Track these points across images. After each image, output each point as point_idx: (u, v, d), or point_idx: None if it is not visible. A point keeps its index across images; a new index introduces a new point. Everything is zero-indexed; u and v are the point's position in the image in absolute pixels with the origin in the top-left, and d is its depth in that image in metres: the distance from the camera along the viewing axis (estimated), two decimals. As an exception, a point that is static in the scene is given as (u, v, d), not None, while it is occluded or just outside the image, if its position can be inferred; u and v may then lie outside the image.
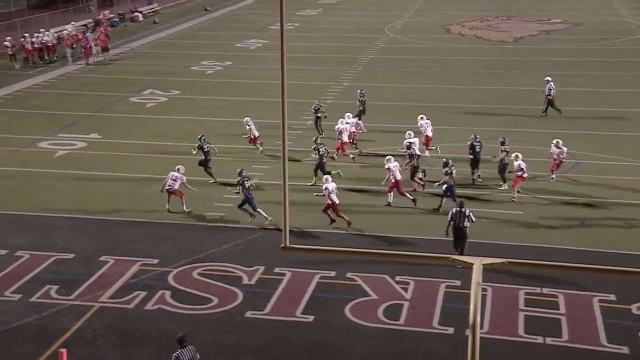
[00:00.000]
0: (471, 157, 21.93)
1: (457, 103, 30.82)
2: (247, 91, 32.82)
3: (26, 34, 39.26)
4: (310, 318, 14.86)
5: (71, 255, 17.29)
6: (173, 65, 38.62)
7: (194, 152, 22.00)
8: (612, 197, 20.77)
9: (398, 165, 20.45)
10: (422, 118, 24.74)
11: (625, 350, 13.72)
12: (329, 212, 18.82)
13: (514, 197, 20.52)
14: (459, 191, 19.91)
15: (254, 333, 14.35)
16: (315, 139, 22.23)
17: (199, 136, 22.28)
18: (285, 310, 15.10)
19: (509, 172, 21.15)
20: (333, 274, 16.48)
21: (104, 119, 28.77)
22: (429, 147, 24.12)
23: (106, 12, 52.06)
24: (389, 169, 20.17)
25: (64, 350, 12.93)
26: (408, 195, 20.31)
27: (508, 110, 29.36)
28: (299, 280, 16.28)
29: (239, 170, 19.41)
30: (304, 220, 18.96)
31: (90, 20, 48.71)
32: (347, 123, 24.05)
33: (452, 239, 17.02)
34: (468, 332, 8.21)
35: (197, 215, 19.64)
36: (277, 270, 16.67)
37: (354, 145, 24.39)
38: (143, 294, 15.62)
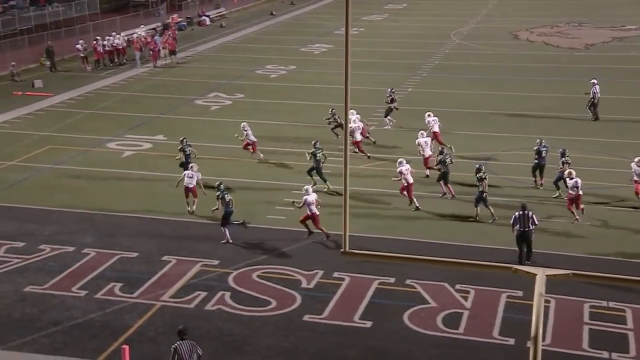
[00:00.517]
0: (536, 161, 21.48)
1: (522, 110, 30.26)
2: (310, 95, 32.97)
3: (98, 37, 40.42)
4: (368, 324, 14.79)
5: (135, 254, 17.67)
6: (238, 69, 39.12)
7: (177, 158, 22.32)
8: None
9: (410, 168, 20.36)
10: (429, 115, 25.02)
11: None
12: (307, 222, 18.38)
13: (576, 219, 19.10)
14: (523, 199, 19.49)
15: (311, 337, 14.35)
16: (315, 143, 21.82)
17: (181, 139, 22.58)
18: (344, 315, 15.06)
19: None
20: (392, 280, 16.36)
21: (169, 121, 29.34)
22: (441, 143, 24.08)
23: (175, 16, 53.14)
24: (400, 172, 20.13)
25: (126, 347, 13.20)
26: (415, 201, 20.15)
27: (576, 118, 28.64)
28: (357, 286, 16.22)
29: (217, 183, 19.20)
30: (364, 225, 18.89)
31: (159, 24, 49.81)
32: (359, 121, 24.56)
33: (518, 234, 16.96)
34: (530, 344, 8.02)
35: (258, 218, 19.80)
36: (336, 274, 16.65)
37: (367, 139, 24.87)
38: (203, 294, 15.82)
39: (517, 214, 16.93)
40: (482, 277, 15.75)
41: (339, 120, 25.54)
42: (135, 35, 42.24)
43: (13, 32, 44.68)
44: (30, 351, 13.71)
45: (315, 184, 21.16)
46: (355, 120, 24.43)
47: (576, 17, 55.42)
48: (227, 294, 15.83)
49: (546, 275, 8.21)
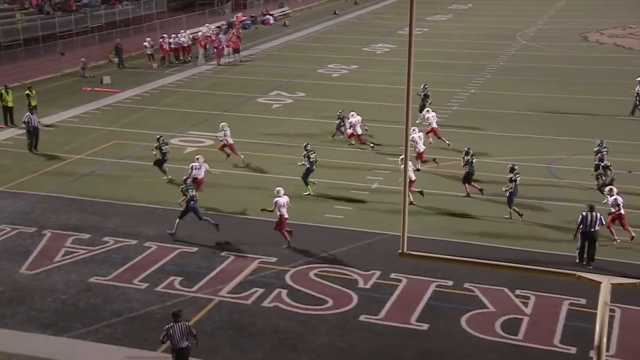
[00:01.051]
0: (596, 162, 20.90)
1: (588, 113, 29.49)
2: (371, 95, 32.88)
3: (165, 35, 41.23)
4: (425, 326, 14.64)
5: (195, 249, 17.93)
6: (300, 68, 39.31)
7: (153, 153, 22.51)
8: None
9: (412, 165, 20.45)
10: (428, 111, 25.59)
11: None
12: (284, 232, 18.09)
13: (615, 240, 17.83)
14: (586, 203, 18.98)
15: (367, 337, 14.30)
16: (306, 145, 21.67)
17: (158, 136, 22.75)
18: (400, 317, 14.95)
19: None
20: (450, 283, 16.16)
21: (231, 118, 29.61)
22: (440, 138, 25.14)
23: (239, 14, 53.81)
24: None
25: (184, 340, 13.44)
26: (411, 195, 19.98)
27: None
28: (414, 287, 16.09)
29: (184, 177, 19.34)
30: (422, 227, 18.73)
31: (223, 22, 50.47)
32: (355, 117, 25.38)
33: (579, 243, 16.62)
34: (592, 354, 7.79)
35: (316, 217, 19.84)
36: (393, 275, 16.55)
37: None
38: (261, 291, 15.94)
39: (583, 214, 16.73)
40: (543, 283, 15.40)
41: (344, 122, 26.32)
42: (199, 33, 42.91)
43: (85, 29, 45.98)
44: (94, 340, 14.05)
45: (314, 184, 21.41)
46: (354, 115, 25.46)
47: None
48: (284, 292, 15.91)
49: (611, 284, 7.97)
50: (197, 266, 17.09)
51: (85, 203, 20.72)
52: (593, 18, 55.10)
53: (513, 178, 19.27)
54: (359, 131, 25.34)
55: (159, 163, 22.42)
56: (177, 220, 18.48)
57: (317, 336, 14.28)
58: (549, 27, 52.77)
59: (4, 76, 34.06)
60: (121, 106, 31.66)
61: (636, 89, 28.24)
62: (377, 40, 47.69)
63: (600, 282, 7.99)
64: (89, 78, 36.62)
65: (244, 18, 53.36)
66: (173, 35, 41.23)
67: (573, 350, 13.72)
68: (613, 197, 17.99)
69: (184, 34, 41.84)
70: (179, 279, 16.44)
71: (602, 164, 20.16)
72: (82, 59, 37.88)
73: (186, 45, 41.37)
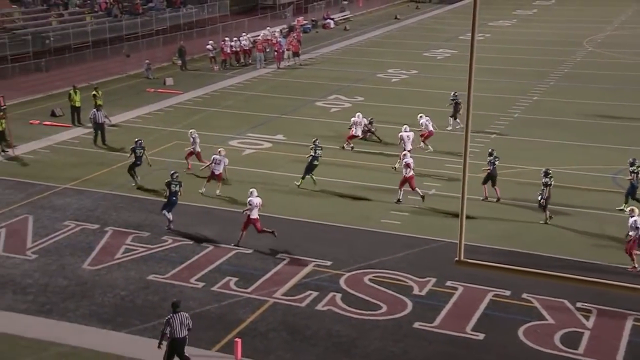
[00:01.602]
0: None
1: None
2: (430, 101, 32.59)
3: (227, 38, 41.79)
4: (481, 336, 14.41)
5: (250, 251, 18.08)
6: (359, 72, 39.28)
7: (128, 156, 22.48)
8: None
9: (411, 163, 20.82)
10: (421, 117, 25.67)
11: None
12: (264, 228, 18.16)
13: (634, 267, 16.87)
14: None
15: (421, 345, 14.16)
16: (315, 141, 22.45)
17: (136, 140, 22.70)
18: (455, 325, 14.76)
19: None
20: (508, 293, 15.87)
21: (289, 121, 29.87)
22: (425, 142, 25.39)
23: (300, 18, 54.14)
24: (405, 162, 20.76)
25: (239, 340, 13.57)
26: (419, 191, 20.61)
27: None
28: (471, 296, 15.86)
29: (172, 172, 19.76)
30: (481, 235, 18.46)
31: (284, 26, 50.85)
32: (360, 118, 26.10)
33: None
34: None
35: (372, 222, 19.77)
36: (449, 283, 16.35)
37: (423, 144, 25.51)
38: (315, 294, 15.97)
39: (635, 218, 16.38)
40: (606, 297, 14.99)
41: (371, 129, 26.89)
42: (259, 37, 43.30)
43: (150, 32, 46.99)
44: (150, 337, 14.29)
45: (314, 182, 22.03)
46: (359, 116, 26.03)
47: None
48: (338, 296, 15.90)
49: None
50: (252, 267, 17.23)
51: (145, 202, 21.14)
52: (664, 25, 53.49)
53: (548, 183, 19.10)
54: (359, 133, 25.79)
55: (132, 167, 22.27)
56: (164, 212, 19.16)
57: (371, 341, 14.21)
58: (618, 33, 51.41)
59: (73, 77, 35.10)
60: (183, 107, 32.22)
61: None
62: (438, 45, 47.29)
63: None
64: (153, 79, 37.40)
65: (305, 22, 53.66)
66: (234, 38, 41.75)
67: (635, 367, 13.31)
68: (633, 219, 16.85)
69: (245, 37, 42.31)
70: (235, 279, 16.61)
71: (631, 168, 19.60)
72: (147, 61, 38.71)
73: (247, 48, 41.81)
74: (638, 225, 16.79)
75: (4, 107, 25.80)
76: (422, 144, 25.35)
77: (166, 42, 44.29)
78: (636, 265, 16.95)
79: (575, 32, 51.91)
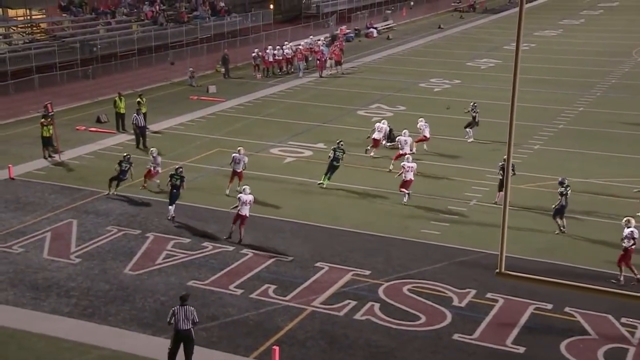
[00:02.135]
0: None
1: None
2: (474, 110, 32.26)
3: (269, 47, 42.07)
4: (521, 349, 14.17)
5: (290, 258, 18.10)
6: (402, 81, 39.14)
7: (116, 169, 22.11)
8: None
9: (414, 167, 21.53)
10: (421, 120, 26.40)
11: None
12: (242, 232, 18.98)
13: (619, 279, 16.62)
14: None
15: (460, 357, 13.98)
16: (339, 141, 23.34)
17: (124, 154, 22.52)
18: (495, 338, 14.54)
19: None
20: (549, 306, 15.59)
21: (331, 130, 29.88)
22: (419, 142, 25.95)
23: (343, 27, 54.24)
24: (403, 166, 21.41)
25: (276, 348, 13.59)
26: (406, 192, 21.33)
27: None
28: (511, 309, 15.62)
29: (177, 166, 21.10)
30: (523, 247, 18.18)
31: (327, 35, 50.99)
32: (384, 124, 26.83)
33: None
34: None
35: (412, 231, 19.64)
36: (489, 295, 16.13)
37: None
38: (353, 303, 15.90)
39: None
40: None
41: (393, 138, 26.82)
42: (300, 46, 43.46)
43: (194, 40, 47.61)
44: (188, 342, 14.41)
45: (323, 185, 22.65)
46: (384, 122, 26.88)
47: None
48: (377, 305, 15.81)
49: None
50: (291, 275, 17.25)
51: (187, 208, 21.34)
52: None
53: (564, 192, 18.96)
54: (378, 137, 26.10)
55: (116, 179, 22.08)
56: (169, 207, 20.30)
57: (409, 352, 14.08)
58: (666, 44, 50.32)
59: (119, 84, 35.72)
60: (225, 115, 32.50)
61: None
62: (482, 55, 46.89)
63: None
64: (196, 87, 37.83)
65: (347, 31, 53.74)
66: (278, 47, 42.00)
67: (682, 385, 12.93)
68: (628, 230, 16.48)
69: (288, 46, 42.53)
70: (274, 287, 16.64)
71: None
72: (190, 69, 39.18)
73: (290, 56, 42.02)
74: (635, 236, 16.44)
75: (52, 113, 26.37)
76: (425, 147, 26.18)
77: (210, 50, 44.79)
78: (621, 279, 16.60)
79: (623, 42, 50.95)
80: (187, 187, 22.94)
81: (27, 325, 15.03)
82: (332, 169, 22.82)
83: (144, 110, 28.68)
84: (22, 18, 44.91)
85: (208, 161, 25.77)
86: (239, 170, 22.41)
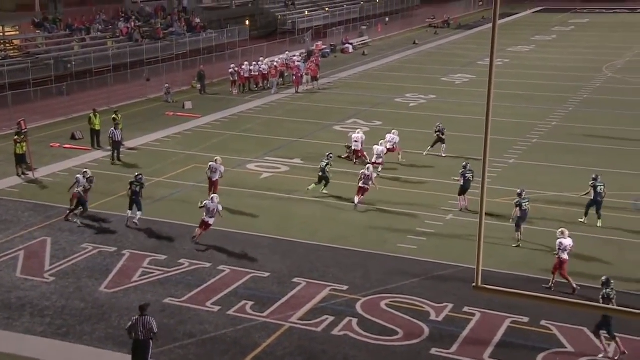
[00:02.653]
0: None
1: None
2: (448, 125, 32.49)
3: (246, 62, 42.11)
4: (498, 364, 14.22)
5: (267, 274, 18.04)
6: (378, 97, 39.37)
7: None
8: None
9: (373, 175, 22.43)
10: (392, 133, 27.09)
11: None
12: (198, 237, 19.72)
13: (550, 287, 17.01)
14: None
15: (438, 372, 13.99)
16: (328, 154, 24.15)
17: (136, 174, 21.70)
18: (473, 352, 14.59)
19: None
20: (526, 319, 15.68)
21: (307, 145, 29.93)
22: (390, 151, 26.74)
23: (319, 43, 54.50)
24: (363, 172, 22.41)
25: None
26: (358, 200, 22.32)
27: None
28: (488, 322, 15.68)
29: (137, 173, 21.57)
30: (498, 260, 18.29)
31: (303, 51, 51.19)
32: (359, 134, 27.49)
33: None
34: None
35: (389, 246, 19.69)
36: (466, 309, 16.19)
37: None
38: (331, 318, 15.87)
39: None
40: (628, 325, 14.74)
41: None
42: (275, 62, 43.54)
43: (170, 56, 47.53)
44: (165, 360, 14.28)
45: (307, 189, 23.28)
46: (359, 131, 27.54)
47: None
48: (355, 320, 15.79)
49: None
50: (269, 291, 17.18)
51: (164, 225, 21.21)
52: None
53: (519, 203, 19.41)
54: (358, 147, 26.79)
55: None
56: (128, 211, 20.86)
57: (387, 368, 14.06)
58: (638, 60, 51.15)
59: (94, 101, 35.50)
60: (201, 131, 32.42)
61: None
62: (456, 70, 47.35)
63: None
64: (172, 103, 37.71)
65: (323, 47, 53.99)
66: (254, 63, 42.05)
67: (657, 396, 13.05)
68: (558, 241, 17.07)
69: (264, 62, 42.60)
70: (251, 303, 16.55)
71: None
72: (166, 85, 39.07)
73: (266, 72, 42.08)
74: (563, 247, 16.92)
75: (25, 130, 26.10)
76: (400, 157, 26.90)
77: (186, 67, 44.73)
78: (552, 285, 17.02)
79: (594, 57, 51.78)
80: (163, 203, 22.83)
81: None
82: (320, 179, 23.47)
83: (120, 127, 28.53)
84: (-5, 35, 44.56)
85: (184, 177, 25.65)
86: (214, 179, 22.80)
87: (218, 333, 15.33)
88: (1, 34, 44.08)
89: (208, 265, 18.55)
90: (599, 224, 20.67)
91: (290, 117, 35.06)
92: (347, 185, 24.13)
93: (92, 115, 29.59)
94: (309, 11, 67.92)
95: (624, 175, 25.49)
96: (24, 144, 25.73)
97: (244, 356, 14.43)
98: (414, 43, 59.78)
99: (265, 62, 42.67)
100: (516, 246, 19.51)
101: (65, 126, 32.74)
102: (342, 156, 27.13)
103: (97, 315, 16.07)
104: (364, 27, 64.17)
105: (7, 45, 43.84)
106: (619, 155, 28.15)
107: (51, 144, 29.78)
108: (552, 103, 37.27)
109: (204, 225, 19.75)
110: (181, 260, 18.78)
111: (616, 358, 14.36)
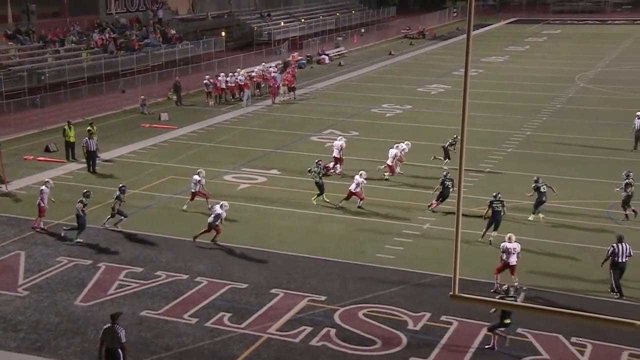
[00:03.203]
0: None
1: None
2: (424, 135, 32.77)
3: (222, 73, 42.06)
4: (476, 372, 14.28)
5: (245, 285, 17.97)
6: (354, 107, 39.51)
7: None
8: None
9: (362, 182, 23.04)
10: (340, 139, 27.69)
11: None
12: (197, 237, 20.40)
13: (496, 290, 17.24)
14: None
15: (416, 381, 14.01)
16: (318, 161, 24.54)
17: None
18: (450, 361, 14.63)
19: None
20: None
21: (284, 156, 29.93)
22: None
23: (295, 54, 54.60)
24: (355, 179, 23.07)
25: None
26: (340, 203, 23.13)
27: None
28: (466, 331, 15.76)
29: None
30: (475, 269, 18.40)
31: (279, 62, 51.26)
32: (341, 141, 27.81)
33: (613, 272, 17.13)
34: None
35: (367, 256, 19.72)
36: (443, 318, 16.26)
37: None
38: (309, 329, 15.84)
39: (615, 245, 17.08)
40: (601, 331, 14.91)
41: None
42: (253, 73, 43.49)
43: (145, 68, 47.31)
44: (142, 374, 14.14)
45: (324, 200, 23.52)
46: (341, 138, 27.79)
47: None
48: (333, 331, 15.78)
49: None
50: (246, 302, 17.11)
51: (140, 237, 21.05)
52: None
53: (490, 202, 20.36)
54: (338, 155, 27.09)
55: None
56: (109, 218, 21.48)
57: (365, 378, 14.05)
58: (611, 70, 51.93)
59: (68, 113, 35.20)
60: (178, 142, 32.29)
61: (636, 123, 30.15)
62: (432, 80, 47.70)
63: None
64: (148, 115, 37.53)
65: (300, 57, 54.11)
66: (230, 74, 42.01)
67: (632, 402, 13.18)
68: (503, 244, 17.71)
69: (240, 73, 42.56)
70: (229, 314, 16.48)
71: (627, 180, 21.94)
72: (142, 96, 38.88)
73: (243, 83, 42.03)
74: (509, 250, 17.49)
75: (-1, 142, 25.83)
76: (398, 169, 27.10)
77: (162, 78, 44.54)
78: (499, 286, 17.14)
79: (567, 68, 52.45)
80: (140, 215, 22.68)
81: (-27, 361, 14.57)
82: (319, 189, 23.72)
83: (95, 137, 28.34)
84: (-33, 46, 44.06)
85: (161, 189, 25.51)
86: (193, 191, 23.16)
87: (196, 345, 15.23)
88: (-26, 46, 43.62)
89: (185, 277, 18.43)
90: (541, 216, 21.99)
91: (267, 128, 35.05)
92: (326, 196, 24.14)
93: (66, 127, 29.35)
94: (285, 22, 68.06)
95: (598, 184, 25.80)
96: (-3, 157, 25.44)
97: (222, 368, 14.34)
98: (390, 54, 60.13)
99: (241, 73, 42.64)
100: (488, 243, 20.11)
101: (39, 138, 32.43)
102: (329, 170, 26.69)
103: (72, 329, 15.89)
104: (340, 38, 64.45)
105: (-20, 57, 43.37)
106: (593, 163, 28.50)
107: (25, 157, 29.47)
108: (526, 113, 37.67)
109: (213, 227, 20.40)
110: (158, 273, 18.65)
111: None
